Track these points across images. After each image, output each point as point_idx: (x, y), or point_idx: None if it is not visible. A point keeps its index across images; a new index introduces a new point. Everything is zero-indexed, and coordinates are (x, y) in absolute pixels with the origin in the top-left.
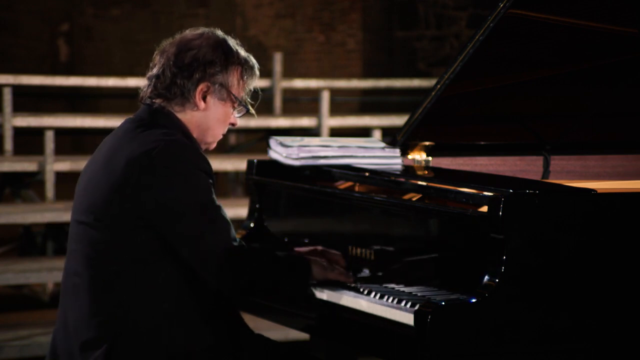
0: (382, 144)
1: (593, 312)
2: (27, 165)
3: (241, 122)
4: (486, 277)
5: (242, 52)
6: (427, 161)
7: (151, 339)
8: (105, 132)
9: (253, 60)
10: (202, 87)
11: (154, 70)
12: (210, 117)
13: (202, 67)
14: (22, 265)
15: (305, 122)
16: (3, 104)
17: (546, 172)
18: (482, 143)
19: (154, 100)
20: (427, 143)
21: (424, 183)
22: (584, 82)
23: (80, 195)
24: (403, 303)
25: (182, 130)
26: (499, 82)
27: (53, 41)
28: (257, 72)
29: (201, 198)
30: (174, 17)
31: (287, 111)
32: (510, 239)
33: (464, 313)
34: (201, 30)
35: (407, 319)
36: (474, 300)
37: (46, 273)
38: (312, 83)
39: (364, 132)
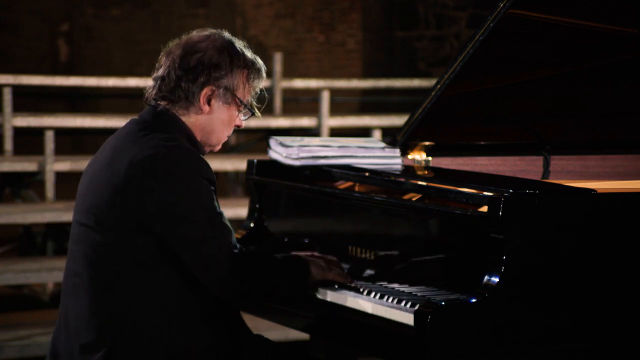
0: (382, 144)
1: (593, 312)
2: (27, 165)
3: None
4: (486, 277)
5: (249, 55)
6: (427, 161)
7: (151, 339)
8: (105, 132)
9: (260, 63)
10: (206, 90)
11: (160, 72)
12: (214, 121)
13: (207, 70)
14: (22, 265)
15: (305, 122)
16: (3, 104)
17: (546, 172)
18: (482, 143)
19: (158, 102)
20: (427, 143)
21: (424, 183)
22: (584, 82)
23: (82, 195)
24: (403, 303)
25: (186, 133)
26: (499, 82)
27: (53, 41)
28: (264, 75)
29: (203, 204)
30: (174, 17)
31: (287, 111)
32: (510, 239)
33: (464, 313)
34: (208, 31)
35: (407, 319)
36: (474, 300)
37: (46, 273)
38: (312, 83)
39: (364, 132)
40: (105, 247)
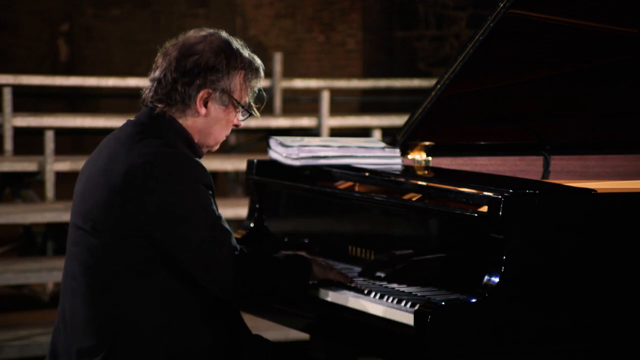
0: (382, 144)
1: (593, 312)
2: (27, 165)
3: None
4: (486, 277)
5: (246, 55)
6: (427, 161)
7: (150, 340)
8: (105, 132)
9: (258, 62)
10: (203, 93)
11: (156, 73)
12: (211, 123)
13: (204, 73)
14: (22, 265)
15: (305, 122)
16: (3, 104)
17: (546, 172)
18: (482, 143)
19: (155, 105)
20: (427, 143)
21: (424, 183)
22: (584, 82)
23: (79, 198)
24: (403, 303)
25: (184, 136)
26: (499, 82)
27: (53, 41)
28: (262, 74)
29: (202, 206)
30: (174, 17)
31: (287, 111)
32: (510, 239)
33: (464, 313)
34: (205, 32)
35: (407, 319)
36: (474, 300)
37: (46, 273)
38: (312, 83)
39: (364, 132)
40: (103, 250)
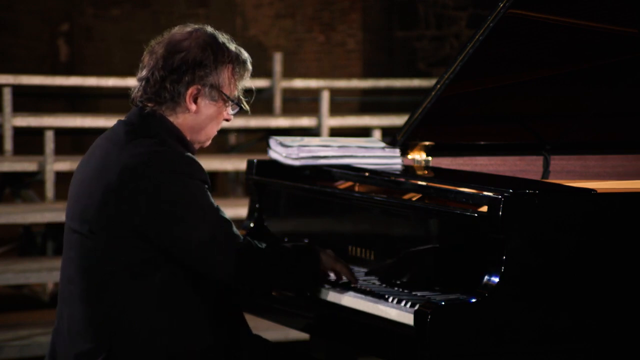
0: (382, 144)
1: (593, 312)
2: (27, 165)
3: (241, 122)
4: (486, 277)
5: (233, 49)
6: (427, 161)
7: (150, 341)
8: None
9: (245, 55)
10: (192, 90)
11: (143, 73)
12: (202, 119)
13: (192, 69)
14: (22, 265)
15: (305, 122)
16: (3, 104)
17: (546, 172)
18: (482, 143)
19: (145, 104)
20: (427, 143)
21: (424, 183)
22: (584, 82)
23: (73, 200)
24: (403, 303)
25: (175, 134)
26: (499, 82)
27: (53, 41)
28: (250, 67)
29: (199, 202)
30: (174, 17)
31: (287, 111)
32: (510, 239)
33: (464, 313)
34: (190, 28)
35: (407, 319)
36: (474, 300)
37: (46, 273)
38: (312, 83)
39: (364, 132)
40: (99, 251)
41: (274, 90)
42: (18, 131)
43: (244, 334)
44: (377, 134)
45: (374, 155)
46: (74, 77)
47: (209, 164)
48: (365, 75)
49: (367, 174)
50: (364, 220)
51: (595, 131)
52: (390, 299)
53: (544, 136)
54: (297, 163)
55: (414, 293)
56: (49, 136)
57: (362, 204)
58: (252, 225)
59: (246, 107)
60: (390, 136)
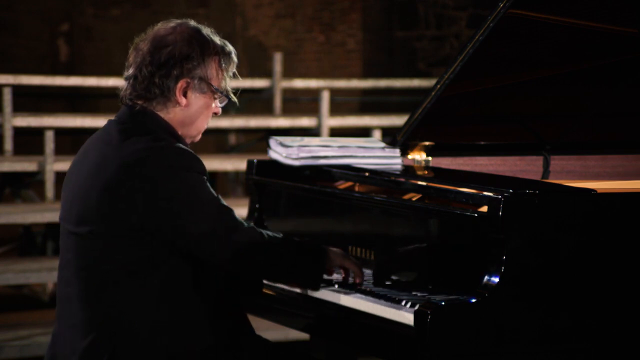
0: (382, 144)
1: (593, 312)
2: (27, 165)
3: (241, 122)
4: (486, 277)
5: (218, 41)
6: (427, 161)
7: (150, 341)
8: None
9: (229, 47)
10: (181, 83)
11: (130, 71)
12: (192, 112)
13: (180, 63)
14: (22, 265)
15: (305, 122)
16: (3, 104)
17: (546, 172)
18: (482, 143)
19: (135, 102)
20: (427, 143)
21: (424, 183)
22: (584, 82)
23: (69, 203)
24: (403, 303)
25: (168, 130)
26: (499, 82)
27: (53, 41)
28: (235, 59)
29: (198, 195)
30: (174, 17)
31: (287, 111)
32: (510, 239)
33: (464, 313)
34: (174, 23)
35: (407, 319)
36: (474, 300)
37: (46, 273)
38: (312, 83)
39: (364, 132)
40: (97, 253)
41: (274, 90)
42: (18, 131)
43: (244, 333)
44: (377, 134)
45: (374, 155)
46: (74, 77)
47: (209, 164)
48: (365, 75)
49: (367, 174)
50: (364, 221)
51: (595, 131)
52: (391, 299)
53: (544, 136)
54: (297, 163)
55: (414, 293)
56: (49, 136)
57: (362, 204)
58: (252, 225)
59: (234, 98)
60: (390, 136)
